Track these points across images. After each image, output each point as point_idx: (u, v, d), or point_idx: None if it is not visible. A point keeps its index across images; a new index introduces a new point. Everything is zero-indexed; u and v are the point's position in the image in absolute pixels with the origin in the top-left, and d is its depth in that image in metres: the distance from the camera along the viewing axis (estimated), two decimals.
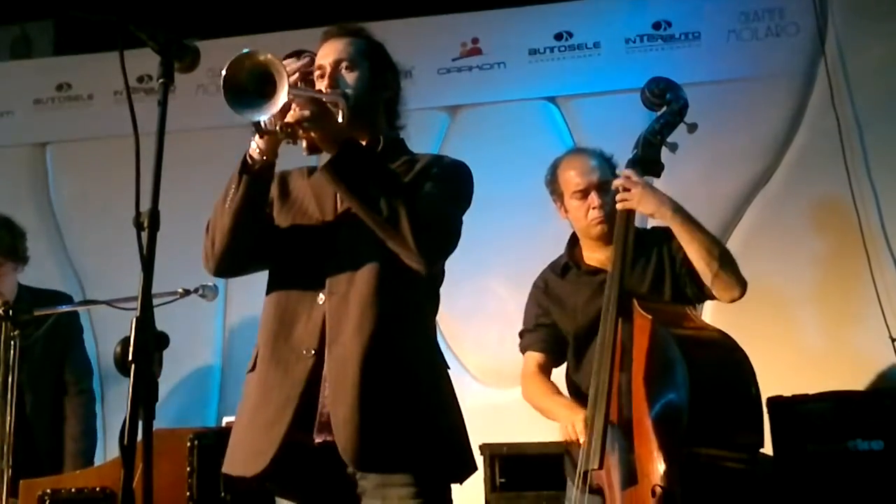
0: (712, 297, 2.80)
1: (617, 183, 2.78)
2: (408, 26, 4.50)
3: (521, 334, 3.04)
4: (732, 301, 2.76)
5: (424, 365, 2.13)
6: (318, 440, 2.04)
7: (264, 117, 1.95)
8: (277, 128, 2.01)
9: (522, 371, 3.00)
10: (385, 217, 2.00)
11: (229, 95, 1.90)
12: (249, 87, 1.92)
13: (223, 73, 1.89)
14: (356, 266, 2.08)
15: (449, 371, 2.20)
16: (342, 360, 2.03)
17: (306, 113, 2.00)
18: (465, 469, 2.16)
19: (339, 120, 2.07)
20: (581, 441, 2.60)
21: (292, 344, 2.09)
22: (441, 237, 2.11)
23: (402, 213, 1.99)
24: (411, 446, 2.03)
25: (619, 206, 2.75)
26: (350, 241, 2.09)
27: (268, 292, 2.20)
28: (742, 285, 2.74)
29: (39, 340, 3.64)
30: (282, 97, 1.89)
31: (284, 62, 1.98)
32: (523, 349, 3.02)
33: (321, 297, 2.09)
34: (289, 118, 2.01)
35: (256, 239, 2.13)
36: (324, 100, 2.08)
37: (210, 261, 2.14)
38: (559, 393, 2.90)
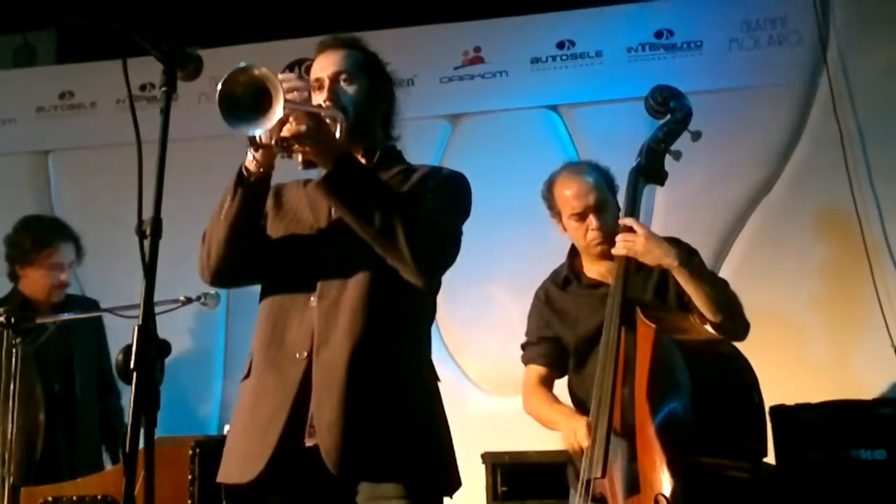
0: None
1: (618, 235, 2.72)
2: (410, 35, 4.51)
3: (524, 346, 3.03)
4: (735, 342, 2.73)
5: (412, 375, 2.12)
6: (308, 444, 2.02)
7: (259, 132, 1.93)
8: (273, 142, 1.99)
9: (524, 383, 2.99)
10: (381, 232, 2.00)
11: (225, 110, 1.88)
12: (245, 101, 1.90)
13: (218, 87, 1.88)
14: (349, 271, 2.08)
15: (439, 384, 2.19)
16: (330, 364, 2.02)
17: (302, 128, 1.97)
18: (449, 484, 2.13)
19: (337, 135, 2.06)
20: (585, 447, 2.59)
21: (286, 348, 2.08)
22: (439, 250, 2.10)
23: (398, 227, 1.99)
24: (394, 454, 2.02)
25: (621, 251, 2.67)
26: (343, 246, 2.08)
27: (261, 299, 2.20)
28: (745, 331, 2.74)
29: (81, 331, 3.74)
30: (277, 112, 1.88)
31: (283, 77, 1.95)
32: (525, 362, 3.01)
33: (313, 300, 2.08)
34: (285, 132, 1.98)
35: (251, 250, 2.13)
36: (322, 115, 2.06)
37: (206, 271, 2.15)
38: (559, 402, 2.89)
